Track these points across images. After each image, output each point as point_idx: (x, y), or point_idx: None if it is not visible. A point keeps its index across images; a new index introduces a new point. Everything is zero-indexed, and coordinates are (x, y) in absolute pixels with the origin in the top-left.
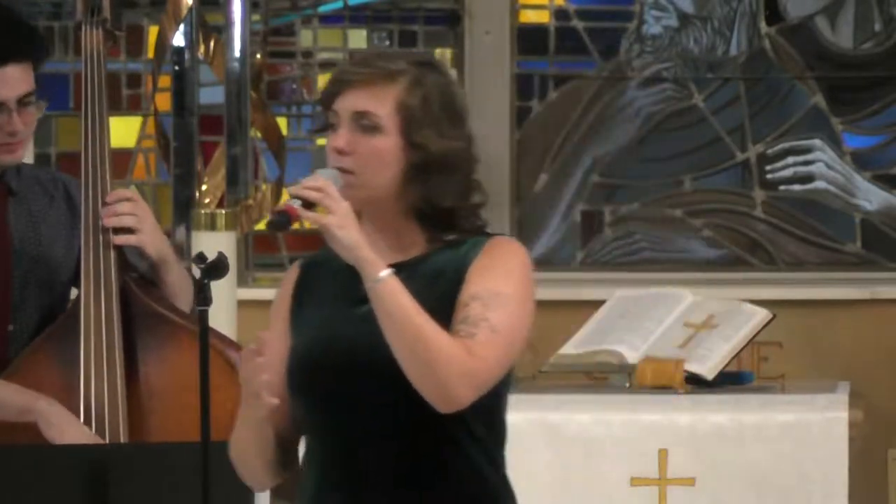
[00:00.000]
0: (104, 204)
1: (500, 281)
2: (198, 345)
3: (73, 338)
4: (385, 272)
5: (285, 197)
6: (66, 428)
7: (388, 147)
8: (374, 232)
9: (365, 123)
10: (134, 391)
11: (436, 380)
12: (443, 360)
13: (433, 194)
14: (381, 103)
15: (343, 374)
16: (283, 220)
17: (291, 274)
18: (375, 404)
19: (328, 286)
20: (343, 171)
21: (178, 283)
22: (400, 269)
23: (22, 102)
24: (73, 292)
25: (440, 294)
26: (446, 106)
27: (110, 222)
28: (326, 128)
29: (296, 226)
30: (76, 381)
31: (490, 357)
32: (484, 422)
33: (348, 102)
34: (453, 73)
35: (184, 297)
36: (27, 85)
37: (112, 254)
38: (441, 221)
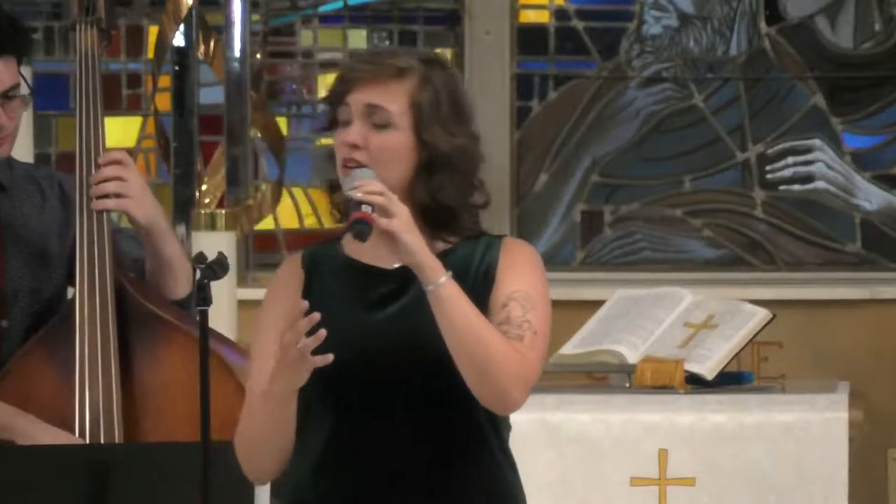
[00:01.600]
0: (97, 167)
1: (529, 282)
2: (193, 345)
3: (68, 339)
4: (444, 277)
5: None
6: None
7: (399, 143)
8: (377, 232)
9: (377, 119)
10: (128, 391)
11: (495, 383)
12: (501, 364)
13: (439, 192)
14: (394, 99)
15: (376, 376)
16: (366, 228)
17: (293, 272)
18: (409, 404)
19: (335, 287)
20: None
21: (174, 259)
22: None
23: (6, 97)
24: (70, 291)
25: (469, 291)
26: (454, 104)
27: (94, 191)
28: (332, 126)
29: (295, 225)
30: (71, 381)
31: (536, 358)
32: (503, 420)
33: (361, 96)
34: (459, 72)
35: (180, 274)
36: (11, 79)
37: (108, 251)
38: (444, 220)
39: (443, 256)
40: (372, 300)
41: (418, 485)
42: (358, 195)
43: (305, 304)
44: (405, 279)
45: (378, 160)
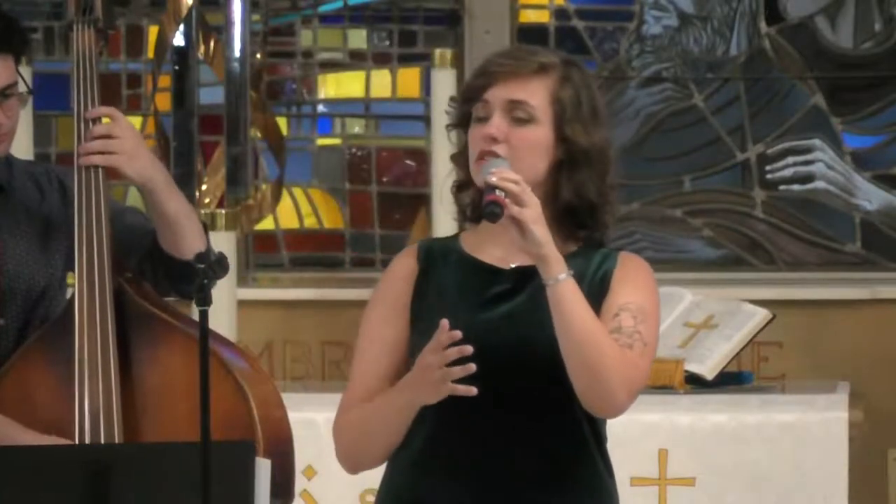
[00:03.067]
0: (86, 123)
1: (643, 295)
2: (191, 345)
3: (67, 339)
4: (565, 273)
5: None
6: None
7: (541, 138)
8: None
9: (519, 114)
10: (127, 392)
11: (604, 386)
12: (612, 367)
13: (582, 188)
14: (535, 94)
15: (489, 375)
16: (499, 210)
17: (407, 264)
18: (518, 404)
19: (451, 281)
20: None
21: (178, 214)
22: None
23: (4, 95)
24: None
25: (585, 297)
26: (592, 104)
27: (82, 148)
28: (462, 123)
29: (295, 225)
30: (70, 382)
31: (645, 367)
32: (602, 425)
33: (501, 92)
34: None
35: (188, 230)
36: (8, 77)
37: (106, 250)
38: (584, 218)
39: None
40: (486, 298)
41: (516, 487)
42: (493, 179)
43: (457, 334)
44: (521, 281)
45: (518, 155)
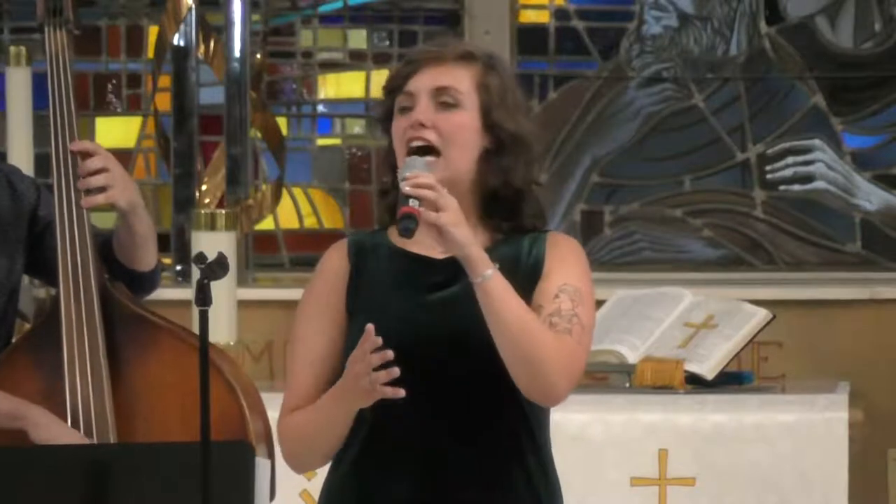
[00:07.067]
0: (72, 154)
1: (577, 276)
2: (178, 344)
3: (52, 341)
4: (491, 269)
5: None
6: (61, 435)
7: (468, 123)
8: (424, 226)
9: (446, 100)
10: (117, 393)
11: (543, 376)
12: (550, 357)
13: (509, 173)
14: (461, 80)
15: (431, 361)
16: (412, 225)
17: (339, 261)
18: (463, 390)
19: (386, 273)
20: (424, 149)
21: (147, 233)
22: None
23: None
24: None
25: (519, 284)
26: (515, 95)
27: (84, 184)
28: (387, 117)
29: (295, 226)
30: (57, 385)
31: (583, 353)
32: (544, 415)
33: (426, 79)
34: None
35: (151, 247)
36: None
37: (90, 250)
38: (510, 206)
39: (491, 249)
40: (420, 288)
41: (454, 478)
42: (407, 189)
43: (378, 340)
44: (453, 271)
45: (448, 141)
